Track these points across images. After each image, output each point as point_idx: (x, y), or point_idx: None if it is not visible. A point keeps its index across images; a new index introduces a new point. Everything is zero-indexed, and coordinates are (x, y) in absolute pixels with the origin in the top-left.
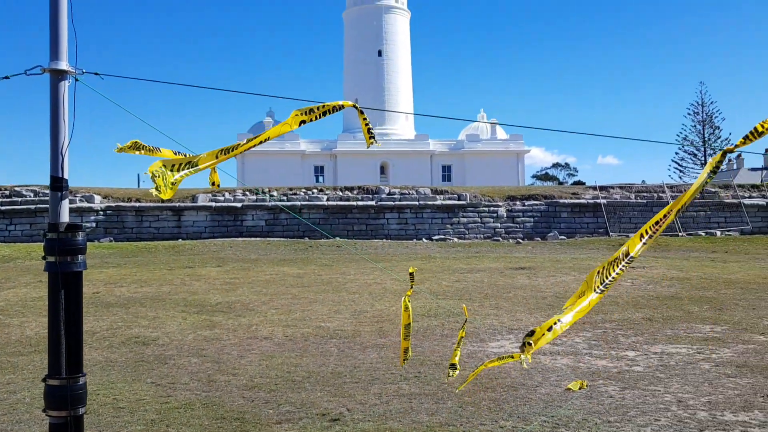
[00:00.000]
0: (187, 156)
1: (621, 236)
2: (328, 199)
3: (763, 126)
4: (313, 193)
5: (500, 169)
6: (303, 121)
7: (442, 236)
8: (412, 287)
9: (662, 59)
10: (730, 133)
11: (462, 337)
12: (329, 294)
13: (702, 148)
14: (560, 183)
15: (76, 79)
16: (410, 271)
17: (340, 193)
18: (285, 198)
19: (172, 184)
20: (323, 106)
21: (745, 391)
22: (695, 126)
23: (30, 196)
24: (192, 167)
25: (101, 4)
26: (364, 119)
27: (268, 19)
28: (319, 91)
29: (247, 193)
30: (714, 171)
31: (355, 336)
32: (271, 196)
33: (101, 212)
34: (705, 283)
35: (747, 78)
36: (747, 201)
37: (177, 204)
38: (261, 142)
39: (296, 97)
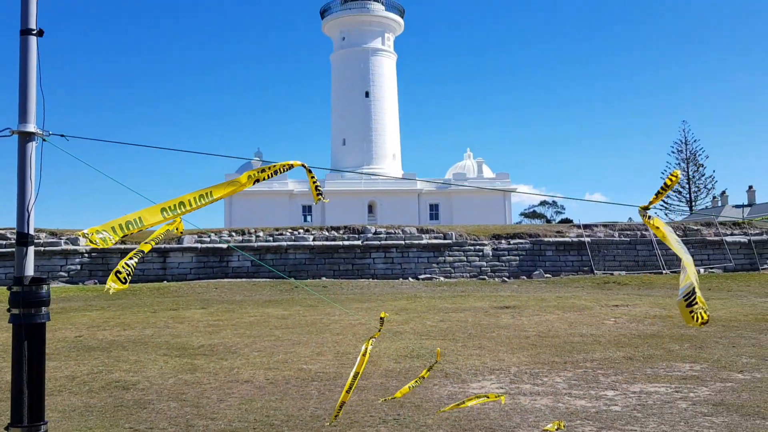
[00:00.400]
0: (134, 213)
1: (606, 274)
2: (314, 239)
3: (671, 179)
4: (299, 233)
5: (487, 207)
6: (257, 180)
7: (429, 275)
8: (380, 330)
9: (646, 97)
10: (714, 171)
11: (423, 377)
12: (313, 335)
13: (687, 186)
14: (548, 221)
15: (44, 140)
16: (381, 315)
17: (326, 233)
18: (271, 238)
19: (114, 229)
20: (273, 166)
21: (720, 429)
22: (679, 164)
23: (14, 239)
24: (136, 226)
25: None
26: (312, 178)
27: (257, 59)
28: (308, 131)
29: (233, 233)
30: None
31: (336, 378)
32: (257, 236)
33: (86, 254)
34: None
35: (729, 117)
36: (729, 238)
37: (163, 245)
38: (209, 203)
39: (285, 135)
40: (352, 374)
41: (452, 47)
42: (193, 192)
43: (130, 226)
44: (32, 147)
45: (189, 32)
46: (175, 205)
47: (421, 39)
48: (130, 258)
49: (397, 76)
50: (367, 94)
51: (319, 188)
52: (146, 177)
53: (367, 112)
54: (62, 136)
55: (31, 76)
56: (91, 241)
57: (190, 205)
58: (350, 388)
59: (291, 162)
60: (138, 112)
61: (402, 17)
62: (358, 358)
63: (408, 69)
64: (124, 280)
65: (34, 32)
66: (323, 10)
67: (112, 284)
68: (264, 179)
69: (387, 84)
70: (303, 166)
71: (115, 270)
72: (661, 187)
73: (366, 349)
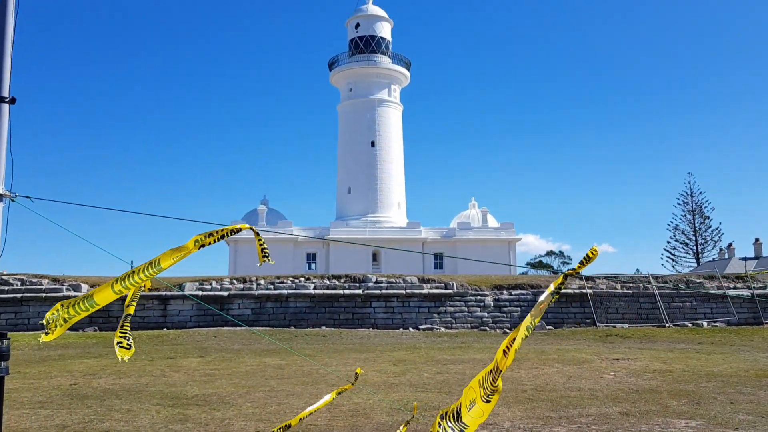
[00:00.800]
0: (84, 295)
1: (608, 326)
2: (314, 288)
3: (593, 253)
4: (300, 281)
5: (492, 256)
6: (202, 245)
7: (429, 325)
8: (353, 384)
9: (652, 148)
10: (720, 223)
11: None
12: (308, 386)
13: (693, 238)
14: (554, 271)
15: (12, 200)
16: (357, 371)
17: (327, 282)
18: (272, 286)
19: (64, 320)
20: (222, 230)
21: None
22: (685, 215)
23: (17, 285)
24: (89, 303)
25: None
26: (259, 240)
27: (265, 108)
28: (314, 179)
29: (234, 281)
30: (557, 291)
31: (327, 431)
32: (258, 284)
33: None
34: (686, 376)
35: (735, 169)
36: (732, 292)
37: (163, 293)
38: (159, 272)
39: (291, 180)
40: (306, 411)
41: (457, 98)
42: (144, 263)
43: (79, 307)
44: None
45: (198, 80)
46: (126, 280)
47: (427, 90)
48: (122, 326)
49: (403, 126)
50: (373, 144)
51: (265, 251)
52: (142, 227)
53: (372, 161)
54: (28, 197)
55: (2, 141)
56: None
57: (139, 278)
58: (301, 419)
59: (239, 225)
60: (151, 161)
61: (408, 69)
62: (320, 401)
63: (414, 119)
64: (128, 347)
65: (7, 100)
66: (331, 62)
67: (123, 357)
68: (211, 243)
69: (393, 134)
70: (251, 229)
71: (116, 342)
72: (584, 258)
73: (331, 398)
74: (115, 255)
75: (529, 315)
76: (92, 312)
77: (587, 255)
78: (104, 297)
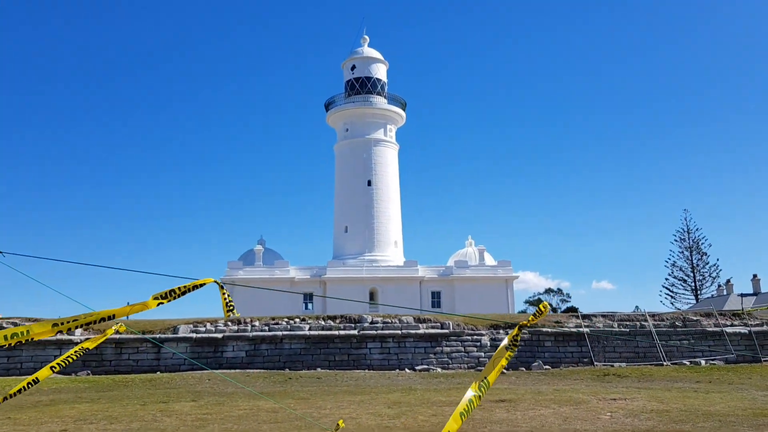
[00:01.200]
0: (23, 326)
1: (606, 365)
2: (310, 329)
3: (543, 308)
4: (295, 322)
5: (489, 295)
6: (161, 303)
7: (425, 366)
8: None
9: (650, 185)
10: (718, 259)
11: None
12: (301, 431)
13: (691, 274)
14: (554, 309)
15: None
16: (339, 423)
17: (323, 323)
18: (267, 328)
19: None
20: (184, 287)
21: None
22: (683, 252)
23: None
24: (25, 336)
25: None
26: (224, 293)
27: (261, 148)
28: (310, 218)
29: (229, 323)
30: (514, 343)
31: None
32: (253, 326)
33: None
34: (683, 416)
35: (733, 205)
36: (729, 329)
37: (157, 335)
38: (105, 318)
39: (288, 220)
40: None
41: (453, 137)
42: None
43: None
44: None
45: (196, 121)
46: (69, 320)
47: (423, 129)
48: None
49: (399, 165)
50: (369, 183)
51: (230, 305)
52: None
53: (369, 200)
54: (0, 252)
55: None
56: None
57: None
58: None
59: (203, 280)
60: (147, 202)
61: (404, 110)
62: None
63: (410, 158)
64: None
65: None
66: (328, 102)
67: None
68: (173, 299)
69: (389, 173)
70: (216, 282)
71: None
72: (536, 311)
73: None
74: (80, 302)
75: (474, 382)
76: (22, 341)
77: (539, 309)
78: (41, 329)
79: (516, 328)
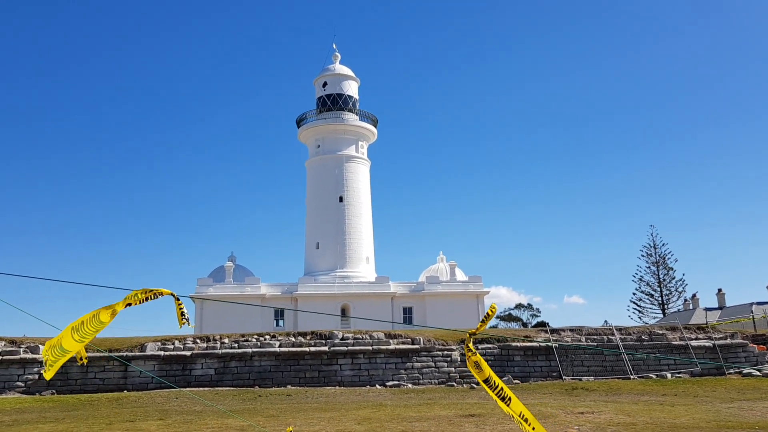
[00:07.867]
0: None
1: (574, 379)
2: (280, 345)
3: (492, 310)
4: (265, 339)
5: (461, 310)
6: (129, 304)
7: (396, 382)
8: None
9: (618, 199)
10: (684, 274)
11: None
12: None
13: (658, 289)
14: (524, 324)
15: None
16: (289, 429)
17: (293, 339)
18: (236, 345)
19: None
20: (145, 291)
21: None
22: (649, 267)
23: None
24: (61, 351)
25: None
26: (179, 304)
27: (232, 165)
28: (281, 235)
29: (198, 340)
30: (470, 351)
31: None
32: (222, 343)
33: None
34: (650, 429)
35: (697, 221)
36: (694, 343)
37: (125, 353)
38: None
39: (258, 237)
40: None
41: (424, 153)
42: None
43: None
44: None
45: (165, 136)
46: (79, 330)
47: (394, 145)
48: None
49: (371, 182)
50: (341, 199)
51: (185, 315)
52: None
53: (341, 216)
54: None
55: None
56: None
57: (89, 329)
58: None
59: (161, 290)
60: (117, 218)
61: (375, 126)
62: None
63: (381, 174)
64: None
65: None
66: (299, 119)
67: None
68: (136, 303)
69: (361, 189)
70: (171, 294)
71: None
72: (484, 316)
73: None
74: (45, 321)
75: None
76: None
77: (487, 313)
78: (69, 343)
79: (467, 335)
